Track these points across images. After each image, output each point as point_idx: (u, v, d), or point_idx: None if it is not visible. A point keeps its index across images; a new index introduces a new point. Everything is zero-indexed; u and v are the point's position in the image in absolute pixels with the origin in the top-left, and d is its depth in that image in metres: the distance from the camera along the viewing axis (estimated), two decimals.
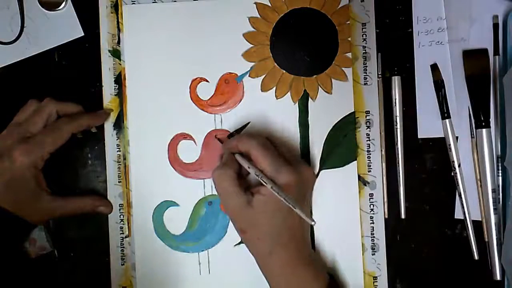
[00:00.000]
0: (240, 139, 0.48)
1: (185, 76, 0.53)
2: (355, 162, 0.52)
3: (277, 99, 0.53)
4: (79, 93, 0.53)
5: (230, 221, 0.52)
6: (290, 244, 0.47)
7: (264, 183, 0.45)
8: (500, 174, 0.51)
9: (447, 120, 0.51)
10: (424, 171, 0.53)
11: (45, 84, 0.54)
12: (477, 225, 0.51)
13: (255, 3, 0.53)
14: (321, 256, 0.52)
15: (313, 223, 0.45)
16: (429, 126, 0.52)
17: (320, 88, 0.53)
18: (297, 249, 0.47)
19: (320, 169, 0.52)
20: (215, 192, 0.53)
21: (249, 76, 0.53)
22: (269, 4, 0.53)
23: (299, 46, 0.53)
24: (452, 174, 0.51)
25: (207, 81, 0.53)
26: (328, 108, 0.53)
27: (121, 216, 0.53)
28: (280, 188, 0.45)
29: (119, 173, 0.53)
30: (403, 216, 0.52)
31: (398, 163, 0.52)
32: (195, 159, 0.53)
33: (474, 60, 0.51)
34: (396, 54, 0.53)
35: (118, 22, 0.54)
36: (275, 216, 0.46)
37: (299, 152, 0.53)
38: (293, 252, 0.47)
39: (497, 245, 0.50)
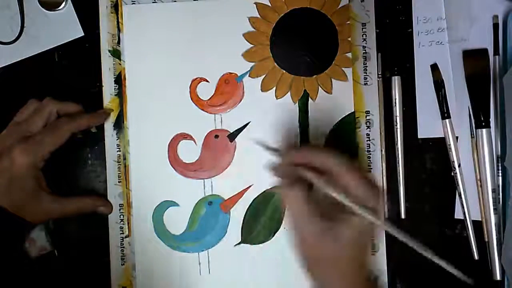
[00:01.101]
0: (314, 151, 0.41)
1: (185, 76, 0.53)
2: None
3: (277, 99, 0.53)
4: (79, 93, 0.53)
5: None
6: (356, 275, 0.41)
7: (362, 214, 0.38)
8: (500, 174, 0.51)
9: (447, 120, 0.51)
10: (424, 171, 0.53)
11: (45, 84, 0.54)
12: (477, 225, 0.51)
13: (255, 3, 0.53)
14: None
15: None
16: (429, 126, 0.52)
17: (320, 88, 0.53)
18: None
19: None
20: (215, 192, 0.53)
21: (249, 76, 0.53)
22: (269, 4, 0.53)
23: (299, 46, 0.53)
24: (452, 174, 0.51)
25: (207, 81, 0.53)
26: (328, 108, 0.53)
27: (121, 216, 0.53)
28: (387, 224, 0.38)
29: (119, 173, 0.53)
30: (403, 216, 0.52)
31: (398, 163, 0.52)
32: (195, 159, 0.53)
33: (474, 60, 0.51)
34: (396, 54, 0.53)
35: (118, 22, 0.54)
36: (355, 251, 0.40)
37: None
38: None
39: (497, 245, 0.50)
